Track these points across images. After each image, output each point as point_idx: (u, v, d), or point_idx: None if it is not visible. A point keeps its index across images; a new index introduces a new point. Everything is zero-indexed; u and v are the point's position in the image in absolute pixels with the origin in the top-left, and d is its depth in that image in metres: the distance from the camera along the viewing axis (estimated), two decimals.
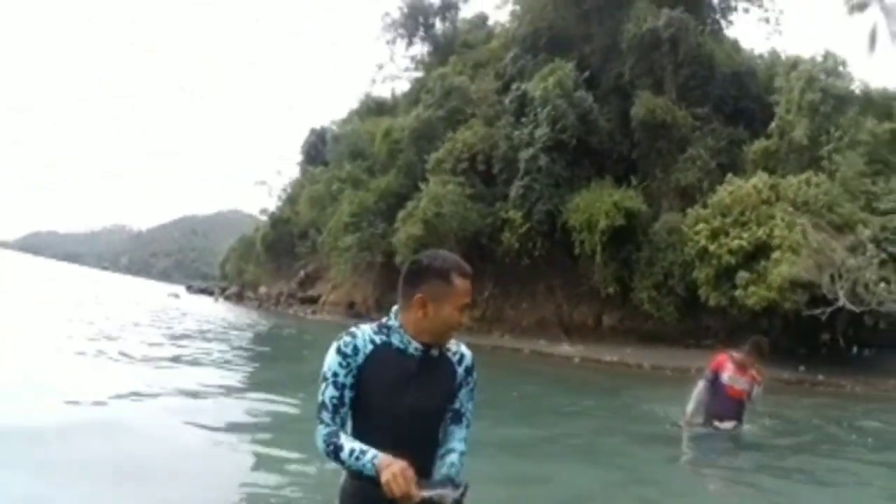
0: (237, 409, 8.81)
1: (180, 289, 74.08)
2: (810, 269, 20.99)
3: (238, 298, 58.20)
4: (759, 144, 26.51)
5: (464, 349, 2.91)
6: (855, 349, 24.31)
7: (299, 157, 50.43)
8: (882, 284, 20.61)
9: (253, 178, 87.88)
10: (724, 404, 8.01)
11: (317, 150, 45.12)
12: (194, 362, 13.37)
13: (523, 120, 29.36)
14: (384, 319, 2.84)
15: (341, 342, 2.78)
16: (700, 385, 8.20)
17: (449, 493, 2.59)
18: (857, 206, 22.80)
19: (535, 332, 28.65)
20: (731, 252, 22.94)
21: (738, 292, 22.45)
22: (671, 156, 27.87)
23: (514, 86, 31.55)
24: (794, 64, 27.10)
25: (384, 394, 2.77)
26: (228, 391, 10.25)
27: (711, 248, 23.34)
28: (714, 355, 8.60)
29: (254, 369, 14.38)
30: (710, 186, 25.38)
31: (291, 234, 45.92)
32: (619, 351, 25.15)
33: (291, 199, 48.15)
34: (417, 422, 2.82)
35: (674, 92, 28.88)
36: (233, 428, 7.58)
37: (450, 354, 2.87)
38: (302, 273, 46.17)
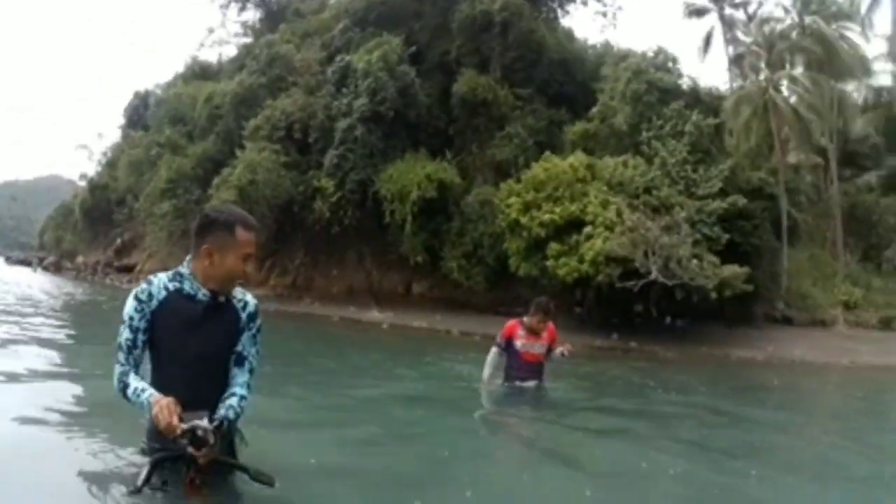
0: (60, 395, 6.66)
1: None
2: (624, 245, 22.13)
3: (56, 269, 55.17)
4: (580, 126, 27.56)
5: (249, 297, 3.18)
6: (668, 319, 25.91)
7: (122, 121, 48.00)
8: (694, 261, 22.03)
9: (76, 143, 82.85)
10: (522, 367, 7.97)
11: (139, 113, 43.03)
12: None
13: (344, 91, 29.28)
14: (179, 268, 3.09)
15: (138, 289, 3.02)
16: (493, 351, 8.14)
17: (202, 424, 2.79)
18: (676, 190, 24.15)
19: (345, 300, 28.82)
20: (542, 225, 23.76)
21: (549, 263, 23.36)
22: (489, 132, 28.67)
23: (338, 57, 31.35)
24: (625, 56, 28.37)
25: (174, 337, 2.99)
26: (35, 375, 7.95)
27: (523, 220, 24.11)
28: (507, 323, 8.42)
29: (71, 344, 12.47)
30: (527, 163, 26.16)
31: (109, 201, 43.69)
32: (428, 317, 25.64)
33: (111, 165, 45.72)
34: (204, 363, 3.04)
35: (498, 72, 29.69)
36: (64, 418, 5.63)
37: (235, 302, 3.13)
38: (119, 241, 44.09)
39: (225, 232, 3.02)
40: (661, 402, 10.46)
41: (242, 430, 3.37)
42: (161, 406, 2.76)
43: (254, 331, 3.18)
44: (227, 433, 3.08)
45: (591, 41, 36.13)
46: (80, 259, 50.91)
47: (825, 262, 31.67)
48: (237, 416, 3.08)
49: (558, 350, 8.04)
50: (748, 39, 34.59)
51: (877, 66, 39.25)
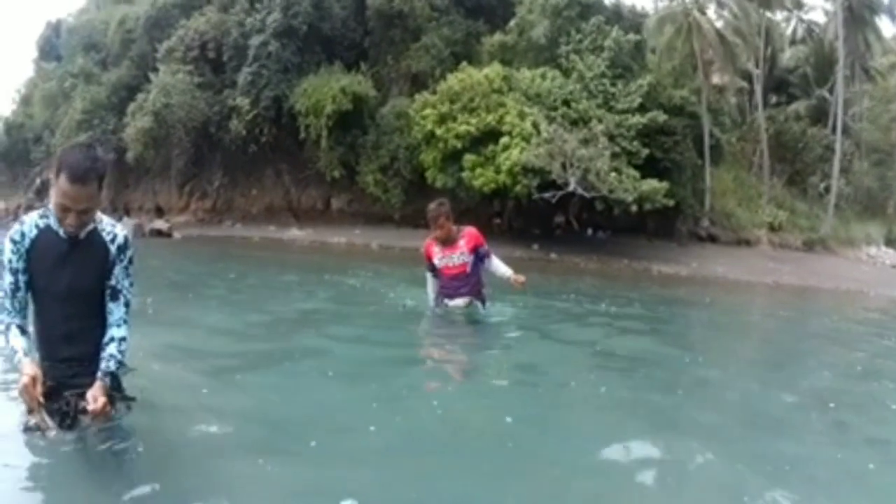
0: None
1: None
2: (541, 157, 22.07)
3: None
4: (497, 38, 27.23)
5: (118, 229, 3.09)
6: (589, 231, 26.04)
7: (34, 54, 45.78)
8: (613, 174, 22.08)
9: None
10: (448, 284, 7.11)
11: (52, 44, 40.96)
12: None
13: (258, 6, 28.43)
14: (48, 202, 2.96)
15: (12, 231, 2.95)
16: (427, 276, 7.39)
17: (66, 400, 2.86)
18: (595, 103, 24.03)
19: (266, 219, 28.62)
20: (458, 136, 23.64)
21: (465, 174, 23.17)
22: (404, 44, 28.16)
23: None
24: None
25: (47, 273, 2.93)
26: None
27: (439, 132, 23.94)
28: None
29: None
30: (443, 74, 25.82)
31: (26, 140, 41.77)
32: (347, 233, 25.53)
33: (25, 101, 43.77)
34: (76, 297, 2.98)
35: None
36: None
37: (104, 234, 3.02)
38: (38, 181, 41.97)
39: (55, 172, 2.87)
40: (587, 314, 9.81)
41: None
42: (23, 385, 2.75)
43: (125, 262, 3.09)
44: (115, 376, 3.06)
45: None
46: (0, 205, 48.90)
47: (750, 184, 31.98)
48: (120, 363, 3.03)
49: (504, 272, 7.16)
50: None
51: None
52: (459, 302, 7.10)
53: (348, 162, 26.54)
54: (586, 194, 22.40)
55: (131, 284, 3.11)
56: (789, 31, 40.10)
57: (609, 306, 10.76)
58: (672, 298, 14.30)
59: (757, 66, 32.89)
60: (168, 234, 27.44)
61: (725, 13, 32.31)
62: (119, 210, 32.95)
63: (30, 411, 2.84)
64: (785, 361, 7.35)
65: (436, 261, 7.07)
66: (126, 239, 3.09)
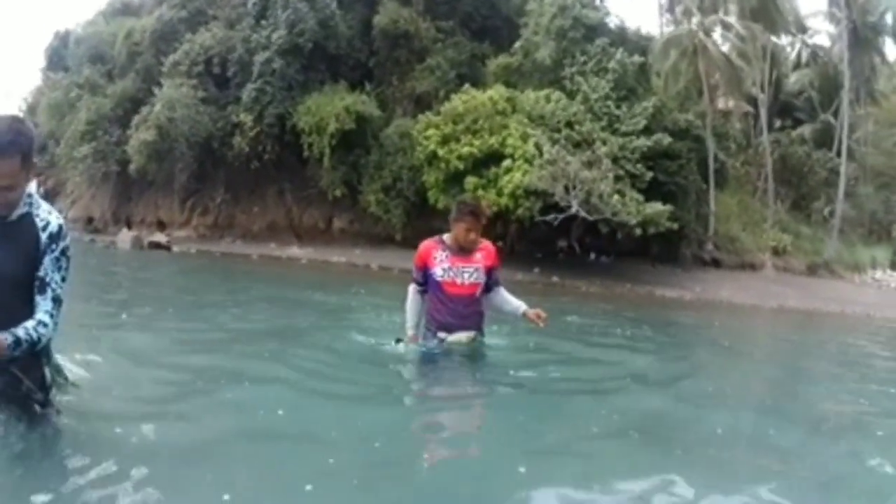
0: None
1: None
2: (544, 179, 21.99)
3: None
4: (502, 60, 27.26)
5: (53, 217, 2.92)
6: (592, 256, 25.91)
7: (42, 63, 46.04)
8: (616, 197, 21.96)
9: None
10: (447, 310, 5.18)
11: (60, 54, 41.15)
12: None
13: (263, 23, 28.52)
14: None
15: None
16: (409, 291, 5.37)
17: None
18: (599, 125, 23.94)
19: (267, 237, 28.66)
20: (460, 158, 23.58)
21: (466, 196, 23.03)
22: (409, 65, 28.21)
23: None
24: None
25: None
26: None
27: (441, 152, 23.87)
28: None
29: None
30: (447, 96, 25.80)
31: None
32: (348, 252, 25.53)
33: (31, 110, 44.00)
34: (2, 286, 2.79)
35: (421, 4, 29.16)
36: None
37: (37, 220, 2.87)
38: (42, 189, 42.51)
39: None
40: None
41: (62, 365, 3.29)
42: None
43: (56, 253, 2.90)
44: (36, 361, 2.95)
45: None
46: None
47: (754, 208, 31.86)
48: (29, 339, 2.78)
49: (515, 305, 5.37)
50: None
51: (813, 23, 39.57)
52: (462, 336, 5.21)
53: (351, 181, 26.55)
54: (589, 217, 22.28)
55: (63, 279, 2.93)
56: (794, 55, 40.03)
57: (624, 330, 10.58)
58: (675, 322, 14.15)
59: (762, 90, 32.83)
60: (166, 248, 27.42)
61: (731, 36, 32.34)
62: (121, 222, 33.05)
63: None
64: (799, 389, 6.85)
65: (437, 270, 5.15)
66: (60, 227, 2.92)
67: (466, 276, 5.16)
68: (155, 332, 6.57)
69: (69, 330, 3.53)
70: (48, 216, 2.90)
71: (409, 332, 5.36)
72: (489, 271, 5.27)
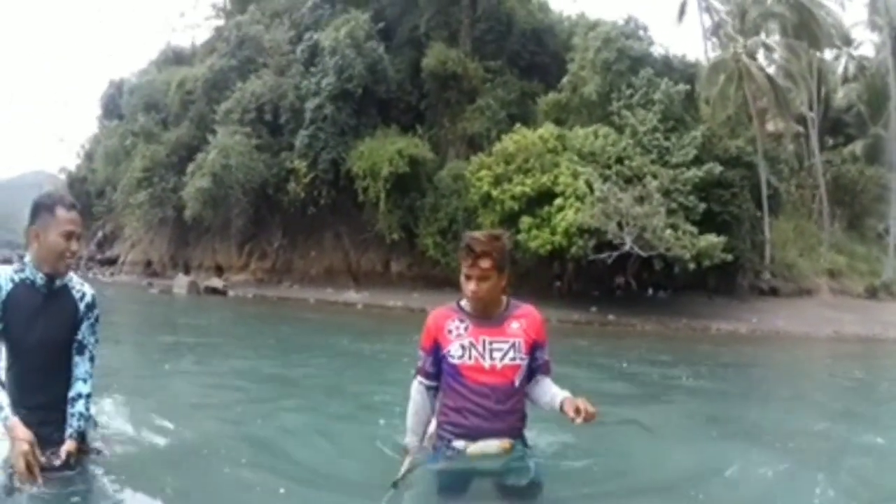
0: None
1: None
2: (596, 216, 21.93)
3: None
4: (551, 97, 27.30)
5: (87, 288, 3.36)
6: (650, 291, 25.69)
7: (98, 111, 47.43)
8: (669, 231, 21.75)
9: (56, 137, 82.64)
10: (471, 407, 3.39)
11: (115, 102, 42.33)
12: None
13: (312, 70, 29.12)
14: (24, 258, 3.24)
15: None
16: (413, 390, 3.60)
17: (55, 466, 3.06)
18: (649, 159, 23.80)
19: (325, 281, 28.78)
20: (514, 198, 23.59)
21: (521, 236, 23.08)
22: (460, 106, 28.46)
23: (307, 36, 31.07)
24: (594, 25, 27.97)
25: (20, 325, 3.11)
26: None
27: (494, 193, 23.94)
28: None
29: None
30: (499, 136, 25.89)
31: (89, 194, 43.21)
32: (405, 296, 25.40)
33: (89, 156, 45.36)
34: (47, 350, 3.18)
35: (468, 45, 29.48)
36: None
37: (74, 292, 3.29)
38: (100, 234, 43.88)
39: (47, 213, 3.17)
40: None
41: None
42: (20, 453, 2.86)
43: (92, 320, 3.35)
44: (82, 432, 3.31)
45: (566, 13, 35.46)
46: None
47: (810, 232, 31.32)
48: (87, 419, 3.32)
49: (556, 396, 3.42)
50: (724, 8, 34.05)
51: (857, 34, 39.01)
52: (491, 446, 3.37)
53: (407, 224, 26.75)
54: (643, 253, 22.14)
55: (97, 341, 3.36)
56: (841, 70, 39.49)
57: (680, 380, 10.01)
58: (731, 364, 13.54)
59: (811, 108, 32.46)
60: (223, 293, 27.96)
61: (776, 56, 32.08)
62: (179, 266, 33.73)
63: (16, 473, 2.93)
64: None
65: (453, 348, 3.39)
66: (94, 297, 3.35)
67: (498, 355, 3.37)
68: (191, 384, 6.92)
69: (114, 378, 4.05)
70: (83, 287, 3.35)
71: (411, 446, 3.58)
72: (532, 348, 3.44)
